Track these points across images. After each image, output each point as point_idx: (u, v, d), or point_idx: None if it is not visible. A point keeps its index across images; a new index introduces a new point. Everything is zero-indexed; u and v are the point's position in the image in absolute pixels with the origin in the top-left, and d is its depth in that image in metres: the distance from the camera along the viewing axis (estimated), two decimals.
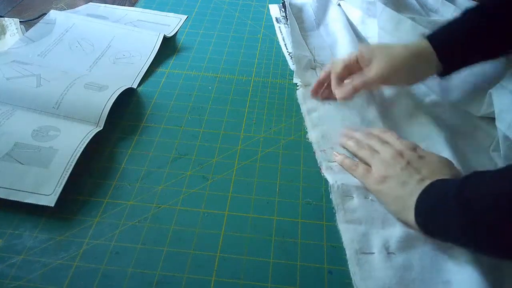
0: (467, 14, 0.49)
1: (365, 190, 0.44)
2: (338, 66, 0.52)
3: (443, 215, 0.36)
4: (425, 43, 0.48)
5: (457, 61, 0.49)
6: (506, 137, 0.46)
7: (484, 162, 0.48)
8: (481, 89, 0.52)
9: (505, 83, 0.49)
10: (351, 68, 0.52)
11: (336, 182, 0.45)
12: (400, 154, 0.43)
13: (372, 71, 0.49)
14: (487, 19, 0.47)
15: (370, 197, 0.44)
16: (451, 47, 0.47)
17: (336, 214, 0.42)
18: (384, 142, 0.46)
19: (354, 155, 0.48)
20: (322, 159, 0.48)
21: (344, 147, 0.49)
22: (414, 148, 0.44)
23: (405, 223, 0.40)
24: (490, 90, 0.50)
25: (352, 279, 0.37)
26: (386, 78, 0.49)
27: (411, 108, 0.54)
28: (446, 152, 0.46)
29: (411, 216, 0.39)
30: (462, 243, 0.37)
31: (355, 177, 0.45)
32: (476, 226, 0.33)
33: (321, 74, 0.56)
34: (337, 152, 0.48)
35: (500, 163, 0.47)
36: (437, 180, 0.39)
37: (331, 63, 0.54)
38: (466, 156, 0.48)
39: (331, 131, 0.51)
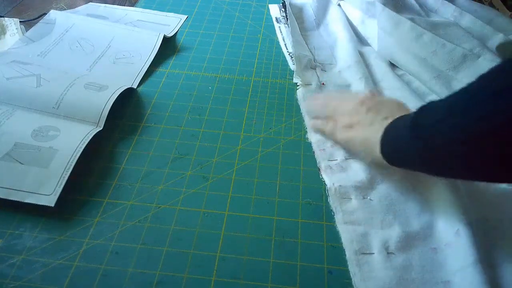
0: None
1: (363, 191, 0.44)
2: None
3: (402, 143, 0.38)
4: None
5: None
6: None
7: None
8: None
9: None
10: None
11: (333, 184, 0.45)
12: (361, 102, 0.46)
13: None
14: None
15: (368, 197, 0.44)
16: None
17: (334, 216, 0.42)
18: (345, 97, 0.50)
19: (321, 116, 0.51)
20: (321, 159, 0.48)
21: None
22: (373, 95, 0.48)
23: (374, 163, 0.44)
24: None
25: (352, 279, 0.37)
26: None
27: (411, 107, 0.53)
28: None
29: (378, 152, 0.41)
30: (421, 169, 0.39)
31: (325, 136, 0.49)
32: (428, 150, 0.35)
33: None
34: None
35: None
36: (399, 116, 0.40)
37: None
38: None
39: None
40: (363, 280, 0.37)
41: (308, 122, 0.53)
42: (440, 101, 0.36)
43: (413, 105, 0.54)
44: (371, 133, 0.42)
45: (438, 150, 0.34)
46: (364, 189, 0.44)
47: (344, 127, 0.46)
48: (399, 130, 0.39)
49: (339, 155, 0.48)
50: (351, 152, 0.47)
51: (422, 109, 0.37)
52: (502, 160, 0.31)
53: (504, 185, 0.45)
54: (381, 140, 0.40)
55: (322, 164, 0.47)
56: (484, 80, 0.31)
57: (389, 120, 0.41)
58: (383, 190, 0.44)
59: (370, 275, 0.37)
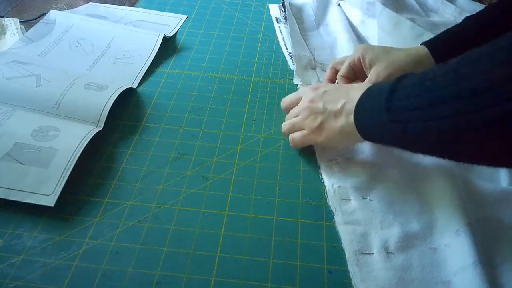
0: (466, 21, 0.50)
1: (362, 191, 0.44)
2: (344, 67, 0.53)
3: (377, 124, 0.37)
4: (424, 49, 0.49)
5: None
6: None
7: None
8: None
9: None
10: (356, 69, 0.53)
11: (332, 186, 0.45)
12: (310, 101, 0.46)
13: (373, 76, 0.49)
14: (486, 27, 0.47)
15: (368, 198, 0.44)
16: (448, 53, 0.47)
17: (334, 217, 0.42)
18: (300, 109, 0.48)
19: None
20: (322, 158, 0.48)
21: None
22: (315, 89, 0.47)
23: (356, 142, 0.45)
24: None
25: (352, 280, 0.37)
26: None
27: None
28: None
29: (357, 135, 0.41)
30: (397, 147, 0.39)
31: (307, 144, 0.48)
32: (405, 133, 0.34)
33: (326, 74, 0.56)
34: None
35: None
36: (364, 94, 0.40)
37: (334, 63, 0.55)
38: None
39: None
40: (363, 280, 0.37)
41: None
42: (414, 84, 0.35)
43: None
44: (343, 122, 0.42)
45: (416, 134, 0.34)
46: (363, 189, 0.44)
47: (314, 132, 0.45)
48: (372, 110, 0.38)
49: (340, 155, 0.48)
50: (335, 146, 0.48)
51: (396, 89, 0.36)
52: (480, 144, 0.30)
53: (504, 185, 0.45)
54: (355, 121, 0.40)
55: (322, 164, 0.47)
56: (456, 64, 0.31)
57: (351, 104, 0.41)
58: (383, 190, 0.44)
59: (369, 275, 0.37)
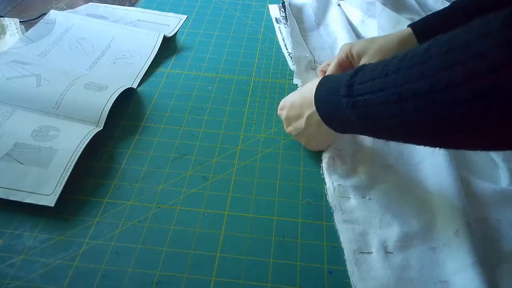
0: (453, 5, 0.50)
1: (362, 190, 0.44)
2: (332, 66, 0.54)
3: (339, 113, 0.37)
4: (408, 31, 0.50)
5: None
6: None
7: (484, 161, 0.48)
8: None
9: None
10: (344, 66, 0.53)
11: (332, 184, 0.45)
12: (285, 123, 0.49)
13: None
14: (471, 12, 0.47)
15: (367, 197, 0.44)
16: (431, 35, 0.46)
17: (333, 215, 0.42)
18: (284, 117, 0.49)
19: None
20: (324, 156, 0.48)
21: None
22: (280, 113, 0.49)
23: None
24: None
25: (351, 279, 0.37)
26: None
27: None
28: (446, 155, 0.46)
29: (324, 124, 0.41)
30: (361, 133, 0.39)
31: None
32: (366, 119, 0.34)
33: (318, 74, 0.56)
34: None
35: (500, 166, 0.47)
36: (321, 81, 0.40)
37: (322, 67, 0.57)
38: (464, 155, 0.48)
39: None
40: (362, 279, 0.37)
41: None
42: (370, 65, 0.34)
43: None
44: (314, 126, 0.43)
45: (376, 118, 0.32)
46: (363, 188, 0.44)
47: (305, 143, 0.48)
48: (331, 100, 0.38)
49: (343, 150, 0.48)
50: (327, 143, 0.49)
51: (356, 74, 0.35)
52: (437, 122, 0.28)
53: (503, 185, 0.45)
54: (318, 111, 0.41)
55: (325, 158, 0.47)
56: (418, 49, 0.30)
57: (308, 112, 0.42)
58: (382, 190, 0.44)
59: (368, 274, 0.37)
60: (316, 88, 0.41)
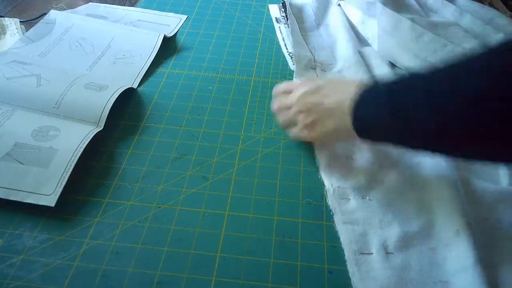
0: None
1: (362, 191, 0.44)
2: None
3: (379, 123, 0.37)
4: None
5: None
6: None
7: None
8: None
9: None
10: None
11: (332, 185, 0.45)
12: (303, 95, 0.45)
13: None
14: None
15: (367, 197, 0.44)
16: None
17: (333, 216, 0.42)
18: (293, 100, 0.46)
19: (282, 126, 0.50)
20: (322, 156, 0.48)
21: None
22: (310, 81, 0.46)
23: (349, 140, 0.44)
24: None
25: (351, 279, 0.37)
26: None
27: None
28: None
29: (351, 133, 0.40)
30: (397, 145, 0.39)
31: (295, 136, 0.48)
32: (411, 131, 0.35)
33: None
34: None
35: (500, 165, 0.47)
36: (363, 92, 0.39)
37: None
38: None
39: None
40: (362, 280, 0.37)
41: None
42: (416, 78, 0.35)
43: None
44: (337, 121, 0.42)
45: (423, 132, 0.34)
46: (363, 189, 0.44)
47: (306, 127, 0.45)
48: (372, 104, 0.38)
49: (340, 153, 0.48)
50: (328, 141, 0.48)
51: (398, 86, 0.36)
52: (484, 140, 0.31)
53: (503, 185, 0.45)
54: (353, 124, 0.40)
55: (322, 162, 0.47)
56: (464, 61, 0.32)
57: (347, 99, 0.40)
58: (382, 190, 0.44)
59: (369, 275, 0.37)
60: (358, 94, 0.39)
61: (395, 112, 0.35)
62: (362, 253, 0.39)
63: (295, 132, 0.48)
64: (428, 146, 0.36)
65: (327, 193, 0.44)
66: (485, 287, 0.35)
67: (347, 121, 0.40)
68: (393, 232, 0.40)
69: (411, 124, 0.34)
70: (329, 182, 0.45)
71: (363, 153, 0.48)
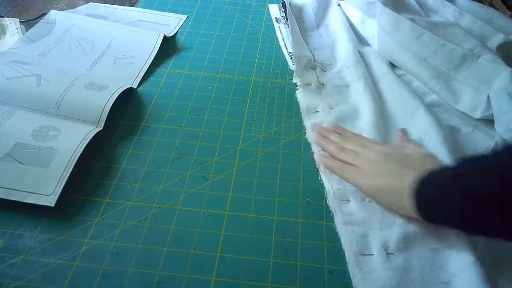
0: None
1: (362, 193, 0.44)
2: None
3: (447, 203, 0.36)
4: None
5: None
6: (503, 140, 0.46)
7: None
8: (479, 92, 0.52)
9: (504, 86, 0.49)
10: None
11: (332, 187, 0.45)
12: (386, 153, 0.45)
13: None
14: None
15: (367, 199, 0.44)
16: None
17: (334, 217, 0.42)
18: (363, 145, 0.47)
19: (336, 158, 0.47)
20: (321, 159, 0.48)
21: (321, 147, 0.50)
22: (397, 147, 0.47)
23: (402, 214, 0.41)
24: (489, 93, 0.50)
25: (353, 281, 0.37)
26: None
27: (411, 106, 0.54)
28: (445, 152, 0.46)
29: (408, 206, 0.39)
30: (463, 227, 0.37)
31: (343, 178, 0.45)
32: (473, 207, 0.34)
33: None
34: (316, 151, 0.49)
35: None
36: (432, 170, 0.38)
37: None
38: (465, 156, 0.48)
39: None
40: (363, 281, 0.37)
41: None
42: (483, 156, 0.35)
43: (411, 102, 0.54)
44: (400, 185, 0.40)
45: (490, 209, 0.33)
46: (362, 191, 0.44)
47: (369, 174, 0.44)
48: (439, 186, 0.37)
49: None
50: (373, 199, 0.43)
51: (463, 164, 0.36)
52: None
53: None
54: (415, 197, 0.38)
55: (321, 165, 0.47)
56: None
57: (420, 173, 0.39)
58: None
59: (370, 276, 0.37)
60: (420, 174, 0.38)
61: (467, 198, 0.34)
62: (363, 254, 0.39)
63: (346, 173, 0.45)
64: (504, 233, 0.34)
65: (327, 195, 0.44)
66: (486, 287, 0.35)
67: (407, 202, 0.39)
68: (393, 233, 0.40)
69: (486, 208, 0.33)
70: (329, 184, 0.45)
71: None
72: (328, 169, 0.47)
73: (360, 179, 0.44)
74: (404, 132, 0.50)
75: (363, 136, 0.49)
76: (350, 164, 0.46)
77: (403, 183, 0.40)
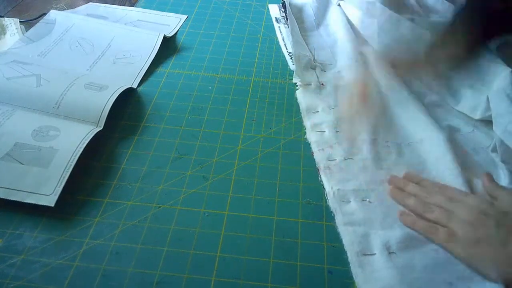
0: None
1: (362, 193, 0.44)
2: None
3: None
4: None
5: None
6: (502, 142, 0.46)
7: (485, 161, 0.48)
8: (479, 92, 0.52)
9: (504, 87, 0.49)
10: None
11: (332, 188, 0.45)
12: (483, 212, 0.39)
13: None
14: None
15: (367, 199, 0.44)
16: None
17: (334, 217, 0.42)
18: (451, 198, 0.41)
19: (421, 216, 0.41)
20: (320, 159, 0.48)
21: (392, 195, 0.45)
22: (490, 202, 0.41)
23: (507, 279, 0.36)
24: (488, 94, 0.50)
25: (355, 281, 0.37)
26: None
27: (411, 108, 0.54)
28: (447, 154, 0.46)
29: None
30: None
31: (433, 241, 0.40)
32: None
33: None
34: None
35: (500, 166, 0.47)
36: None
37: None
38: (466, 156, 0.48)
39: (330, 130, 0.51)
40: (366, 281, 0.37)
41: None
42: None
43: (410, 103, 0.54)
44: (504, 254, 0.37)
45: None
46: (362, 191, 0.44)
47: (467, 241, 0.38)
48: None
49: (338, 155, 0.48)
50: (474, 268, 0.38)
51: None
52: None
53: (503, 184, 0.45)
54: None
55: (321, 165, 0.47)
56: None
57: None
58: (382, 191, 0.44)
59: (372, 275, 0.37)
60: None
61: None
62: (364, 254, 0.39)
63: (440, 237, 0.40)
64: None
65: (328, 196, 0.44)
66: (487, 286, 0.35)
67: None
68: (395, 233, 0.40)
69: None
70: (329, 185, 0.45)
71: (362, 153, 0.48)
72: (413, 229, 0.41)
73: (457, 247, 0.38)
74: (489, 177, 0.44)
75: (447, 186, 0.43)
76: (441, 225, 0.40)
77: (509, 252, 0.37)
